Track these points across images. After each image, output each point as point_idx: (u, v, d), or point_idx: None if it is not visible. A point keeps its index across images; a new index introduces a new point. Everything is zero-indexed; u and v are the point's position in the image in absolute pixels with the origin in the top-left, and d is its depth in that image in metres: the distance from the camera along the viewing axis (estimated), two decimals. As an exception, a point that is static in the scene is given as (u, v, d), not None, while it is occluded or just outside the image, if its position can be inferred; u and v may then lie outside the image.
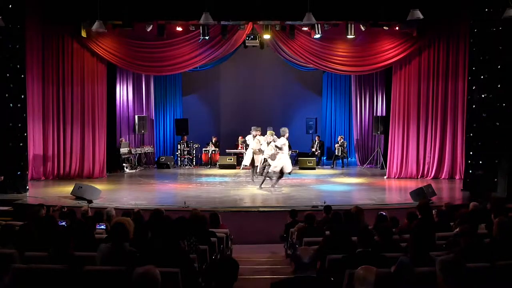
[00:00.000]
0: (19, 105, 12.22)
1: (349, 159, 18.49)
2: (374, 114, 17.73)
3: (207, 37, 13.90)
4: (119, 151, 16.16)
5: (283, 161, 12.63)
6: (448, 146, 14.25)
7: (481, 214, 6.89)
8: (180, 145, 18.05)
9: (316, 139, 18.05)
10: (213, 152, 17.73)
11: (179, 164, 17.94)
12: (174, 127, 18.82)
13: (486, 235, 5.83)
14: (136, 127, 17.23)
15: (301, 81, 19.18)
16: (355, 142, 18.39)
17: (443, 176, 14.31)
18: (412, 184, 12.86)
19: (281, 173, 12.81)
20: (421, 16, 10.77)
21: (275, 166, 12.64)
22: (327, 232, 6.42)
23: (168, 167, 17.35)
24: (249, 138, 14.06)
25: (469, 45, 12.96)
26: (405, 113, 14.49)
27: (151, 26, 13.58)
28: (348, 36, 13.73)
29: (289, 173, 13.33)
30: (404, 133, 14.53)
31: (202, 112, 19.31)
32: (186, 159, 17.94)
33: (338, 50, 14.64)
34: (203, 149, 18.03)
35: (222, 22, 13.52)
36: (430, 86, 14.27)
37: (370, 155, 17.71)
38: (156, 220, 6.34)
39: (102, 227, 7.00)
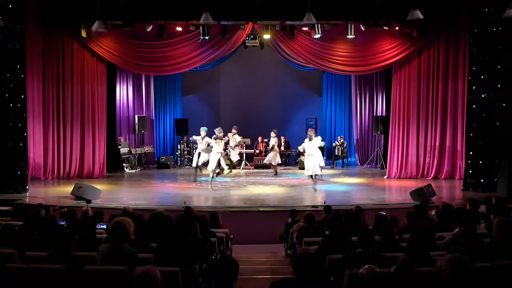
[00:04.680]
0: (19, 105, 12.21)
1: (349, 159, 18.48)
2: (374, 114, 17.72)
3: (207, 37, 13.89)
4: (119, 151, 16.16)
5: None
6: (448, 146, 14.24)
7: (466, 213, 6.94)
8: (180, 145, 18.05)
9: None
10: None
11: (179, 164, 17.93)
12: (174, 127, 18.81)
13: (486, 235, 5.83)
14: (136, 127, 17.22)
15: (301, 81, 19.16)
16: (355, 142, 18.38)
17: (443, 176, 14.30)
18: (412, 184, 12.84)
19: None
20: (421, 16, 10.77)
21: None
22: (327, 232, 6.42)
23: (168, 167, 17.34)
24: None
25: (469, 45, 12.96)
26: (405, 113, 14.48)
27: (151, 26, 13.57)
28: (348, 36, 13.72)
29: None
30: (404, 133, 14.52)
31: (202, 112, 19.28)
32: (186, 159, 17.92)
33: (338, 50, 14.63)
34: (203, 149, 18.00)
35: (222, 22, 13.52)
36: (430, 86, 14.26)
37: (370, 155, 17.70)
38: (156, 222, 6.36)
39: (103, 227, 7.00)
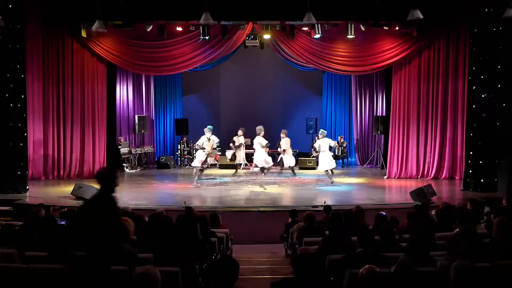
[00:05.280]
0: (19, 105, 12.21)
1: (349, 159, 18.49)
2: (374, 114, 17.73)
3: (207, 37, 13.89)
4: (119, 151, 16.16)
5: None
6: (448, 146, 14.24)
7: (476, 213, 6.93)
8: (180, 145, 18.06)
9: (316, 139, 18.00)
10: (213, 152, 17.67)
11: (179, 164, 17.94)
12: (174, 127, 18.82)
13: (486, 235, 5.83)
14: (136, 127, 17.23)
15: (301, 81, 19.16)
16: (355, 142, 18.39)
17: (443, 176, 14.30)
18: (412, 184, 12.86)
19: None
20: (421, 16, 10.77)
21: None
22: (327, 232, 6.42)
23: (168, 167, 17.34)
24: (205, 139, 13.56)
25: (469, 45, 12.96)
26: (405, 113, 14.49)
27: (151, 26, 13.57)
28: (348, 36, 13.73)
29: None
30: (404, 133, 14.53)
31: (202, 112, 19.29)
32: (186, 159, 17.93)
33: (338, 50, 14.64)
34: (203, 149, 17.97)
35: (222, 22, 13.52)
36: (430, 86, 14.27)
37: (370, 155, 17.71)
38: (156, 222, 6.34)
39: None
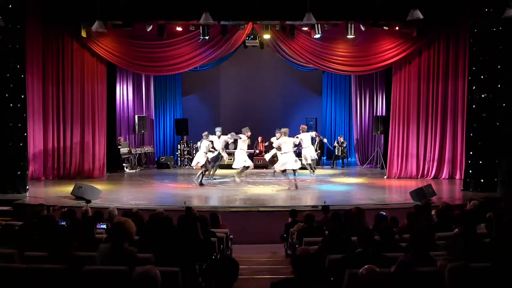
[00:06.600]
0: (19, 105, 12.20)
1: (349, 159, 18.49)
2: (374, 114, 17.72)
3: (207, 37, 13.90)
4: (119, 151, 16.17)
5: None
6: (448, 146, 14.24)
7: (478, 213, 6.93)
8: (180, 145, 18.06)
9: (316, 139, 18.01)
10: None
11: (179, 164, 17.94)
12: (174, 127, 18.82)
13: (486, 235, 5.84)
14: (136, 127, 17.23)
15: (301, 81, 19.17)
16: (355, 142, 18.38)
17: (443, 176, 14.30)
18: (412, 184, 12.85)
19: None
20: (421, 16, 10.77)
21: None
22: (327, 232, 6.42)
23: (168, 167, 17.35)
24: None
25: (469, 45, 12.95)
26: (405, 113, 14.49)
27: (151, 26, 13.58)
28: (348, 36, 13.73)
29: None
30: (404, 133, 14.52)
31: (202, 112, 19.29)
32: (186, 159, 17.93)
33: (338, 50, 14.63)
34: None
35: (222, 22, 13.52)
36: (430, 86, 14.26)
37: (370, 155, 17.70)
38: (155, 222, 6.35)
39: (103, 227, 7.00)
